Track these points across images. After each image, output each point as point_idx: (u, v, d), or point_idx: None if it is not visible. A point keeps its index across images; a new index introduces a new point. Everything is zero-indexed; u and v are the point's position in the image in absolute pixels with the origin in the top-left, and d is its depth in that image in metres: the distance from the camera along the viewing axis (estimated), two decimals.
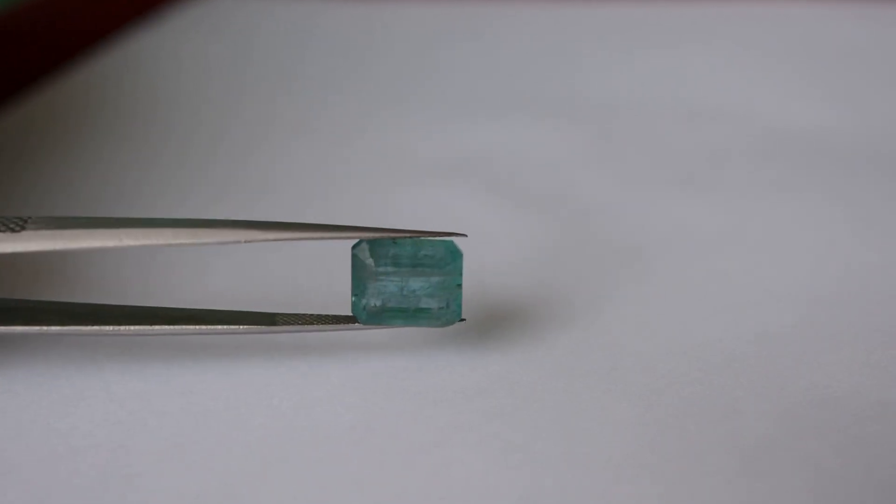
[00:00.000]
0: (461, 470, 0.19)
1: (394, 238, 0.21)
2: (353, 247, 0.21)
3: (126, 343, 0.23)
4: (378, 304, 0.21)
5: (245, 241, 0.21)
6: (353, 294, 0.21)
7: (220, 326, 0.21)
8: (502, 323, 0.24)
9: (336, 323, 0.22)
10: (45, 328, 0.21)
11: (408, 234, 0.21)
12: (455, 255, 0.21)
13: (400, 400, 0.21)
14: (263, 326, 0.21)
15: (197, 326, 0.21)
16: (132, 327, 0.21)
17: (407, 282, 0.21)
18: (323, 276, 0.26)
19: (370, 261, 0.21)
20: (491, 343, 0.23)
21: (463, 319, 0.22)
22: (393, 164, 0.33)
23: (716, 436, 0.20)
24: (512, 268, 0.26)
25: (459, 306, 0.22)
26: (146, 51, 0.43)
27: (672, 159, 0.32)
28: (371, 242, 0.21)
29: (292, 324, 0.22)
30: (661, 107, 0.36)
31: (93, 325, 0.21)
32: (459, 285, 0.22)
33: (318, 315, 0.22)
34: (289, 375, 0.22)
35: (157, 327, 0.21)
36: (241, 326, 0.21)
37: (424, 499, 0.19)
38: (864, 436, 0.20)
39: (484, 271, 0.26)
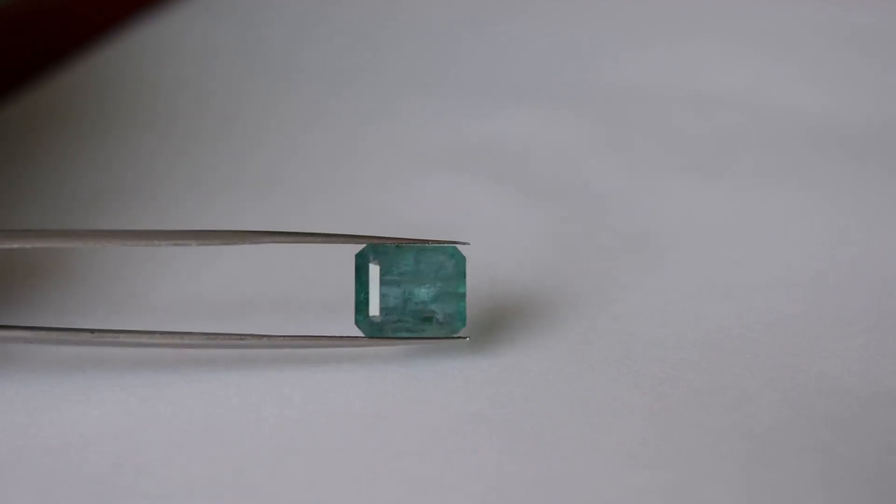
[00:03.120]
0: (472, 458, 0.19)
1: (397, 244, 0.21)
2: (357, 254, 0.21)
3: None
4: (382, 315, 0.21)
5: (249, 243, 0.21)
6: (357, 305, 0.21)
7: (220, 339, 0.21)
8: (513, 311, 0.24)
9: (341, 339, 0.22)
10: (45, 333, 0.21)
11: (411, 241, 0.21)
12: (458, 262, 0.22)
13: (411, 388, 0.21)
14: (266, 339, 0.21)
15: (194, 338, 0.21)
16: (130, 337, 0.21)
17: (411, 290, 0.21)
18: (326, 280, 0.25)
19: (374, 268, 0.21)
20: (502, 331, 0.23)
21: (466, 338, 0.22)
22: (402, 153, 0.32)
23: (727, 424, 0.20)
24: (522, 256, 0.26)
25: (464, 315, 0.22)
26: (152, 41, 0.43)
27: (682, 147, 0.32)
28: (374, 249, 0.21)
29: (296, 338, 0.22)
30: (670, 94, 0.36)
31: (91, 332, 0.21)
32: (463, 294, 0.22)
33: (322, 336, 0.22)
34: (299, 364, 0.22)
35: (156, 337, 0.21)
36: (244, 339, 0.21)
37: (436, 486, 0.19)
38: (876, 424, 0.20)
39: (494, 260, 0.26)
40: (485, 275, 0.25)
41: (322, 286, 0.25)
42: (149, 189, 0.31)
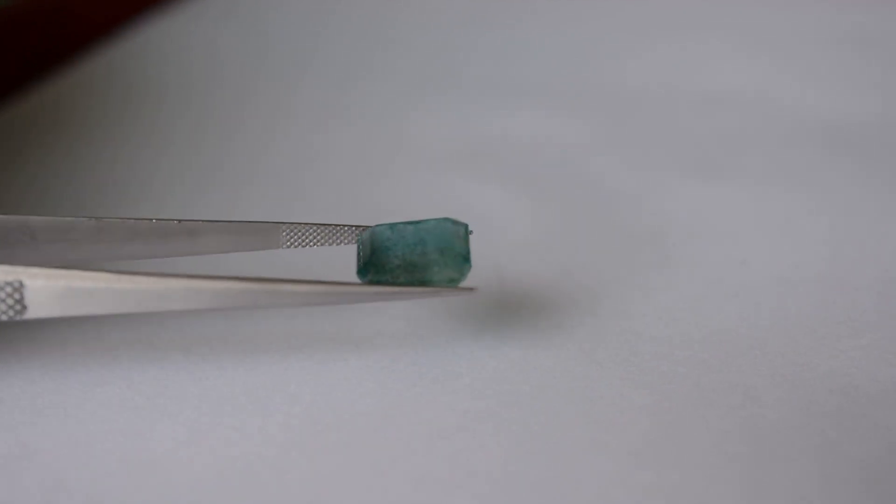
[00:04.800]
0: (479, 456, 0.19)
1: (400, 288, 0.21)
2: (361, 232, 0.21)
3: (143, 330, 0.23)
4: (385, 267, 0.21)
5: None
6: (358, 262, 0.21)
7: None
8: (520, 309, 0.24)
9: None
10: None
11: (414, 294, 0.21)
12: (461, 227, 0.21)
13: (418, 386, 0.21)
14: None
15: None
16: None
17: (414, 246, 0.21)
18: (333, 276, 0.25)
19: (378, 235, 0.21)
20: (509, 329, 0.23)
21: (473, 288, 0.22)
22: (411, 152, 0.32)
23: (734, 422, 0.20)
24: (529, 255, 0.26)
25: (468, 255, 0.21)
26: (158, 40, 0.43)
27: (689, 146, 0.32)
28: (378, 225, 0.21)
29: (297, 235, 0.21)
30: (678, 93, 0.36)
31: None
32: (467, 244, 0.21)
33: (322, 224, 0.22)
34: (307, 362, 0.22)
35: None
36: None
37: (442, 485, 0.19)
38: (883, 423, 0.20)
39: (501, 258, 0.26)
40: (492, 273, 0.25)
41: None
42: (153, 189, 0.31)
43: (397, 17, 0.44)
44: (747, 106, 0.35)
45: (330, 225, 0.22)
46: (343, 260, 0.23)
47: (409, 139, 0.33)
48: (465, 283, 0.22)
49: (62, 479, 0.19)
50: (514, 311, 0.24)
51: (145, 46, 0.42)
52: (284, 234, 0.22)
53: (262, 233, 0.22)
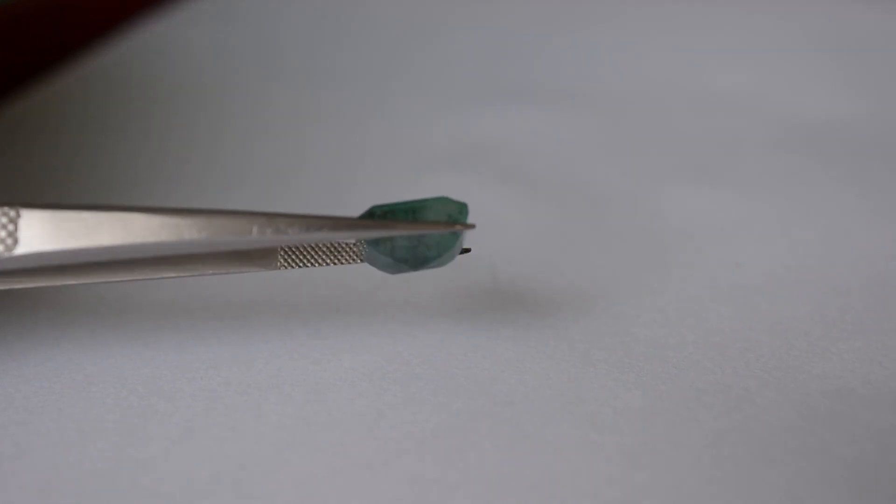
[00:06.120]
0: (473, 456, 0.19)
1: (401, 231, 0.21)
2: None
3: (137, 329, 0.23)
4: (383, 211, 0.21)
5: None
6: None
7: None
8: (514, 310, 0.24)
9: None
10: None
11: (412, 228, 0.21)
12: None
13: (412, 386, 0.21)
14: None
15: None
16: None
17: (410, 203, 0.21)
18: (328, 279, 0.25)
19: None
20: (503, 330, 0.23)
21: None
22: (405, 151, 0.32)
23: (728, 424, 0.20)
24: (524, 256, 0.26)
25: (465, 209, 0.21)
26: (157, 40, 0.43)
27: (685, 148, 0.32)
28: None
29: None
30: (674, 96, 0.36)
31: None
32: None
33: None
34: (301, 362, 0.22)
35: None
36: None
37: (436, 485, 0.19)
38: (878, 424, 0.20)
39: (496, 259, 0.26)
40: (487, 273, 0.25)
41: (324, 286, 0.25)
42: (152, 188, 0.31)
43: (398, 18, 0.44)
44: (742, 109, 0.35)
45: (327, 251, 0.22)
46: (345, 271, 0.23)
47: (405, 139, 0.33)
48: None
49: (55, 479, 0.19)
50: (508, 311, 0.24)
51: (145, 46, 0.42)
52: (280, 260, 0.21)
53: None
